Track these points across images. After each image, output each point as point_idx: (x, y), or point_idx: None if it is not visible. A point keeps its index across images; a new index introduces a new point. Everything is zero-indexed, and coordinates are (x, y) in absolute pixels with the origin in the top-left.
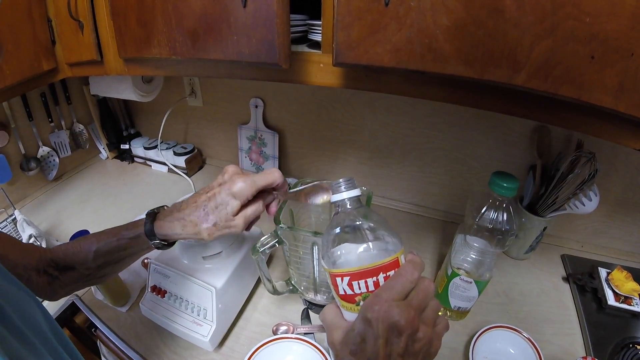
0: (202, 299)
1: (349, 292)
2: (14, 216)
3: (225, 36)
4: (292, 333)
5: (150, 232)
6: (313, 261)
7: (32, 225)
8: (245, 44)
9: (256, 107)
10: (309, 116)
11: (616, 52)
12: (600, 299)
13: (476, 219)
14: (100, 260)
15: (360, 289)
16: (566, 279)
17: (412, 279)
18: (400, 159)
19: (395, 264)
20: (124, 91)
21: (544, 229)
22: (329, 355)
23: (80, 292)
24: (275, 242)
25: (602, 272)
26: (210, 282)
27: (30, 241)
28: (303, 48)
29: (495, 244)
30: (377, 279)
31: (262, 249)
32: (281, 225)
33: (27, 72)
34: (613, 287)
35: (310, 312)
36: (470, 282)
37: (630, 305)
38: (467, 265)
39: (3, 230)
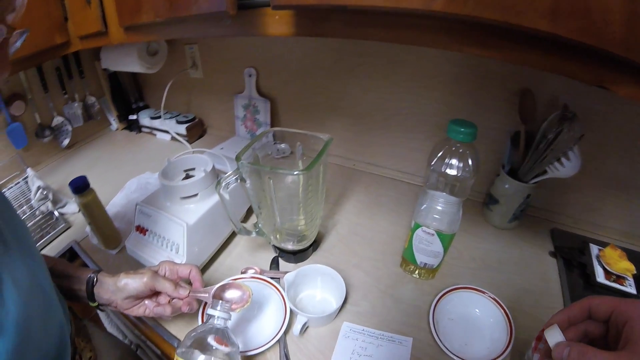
0: (175, 235)
1: None
2: (26, 176)
3: None
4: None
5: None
6: (271, 197)
7: (40, 179)
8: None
9: (250, 76)
10: (296, 83)
11: None
12: (589, 275)
13: (431, 163)
14: None
15: None
16: (553, 254)
17: None
18: (383, 124)
19: None
20: (130, 64)
21: (528, 196)
22: (287, 299)
23: (78, 238)
24: (237, 177)
25: (594, 248)
26: (183, 218)
27: (38, 193)
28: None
29: (455, 193)
30: None
31: (224, 183)
32: (242, 161)
33: (41, 45)
34: (604, 264)
35: (280, 260)
36: (433, 235)
37: (623, 285)
38: (431, 218)
39: (16, 189)
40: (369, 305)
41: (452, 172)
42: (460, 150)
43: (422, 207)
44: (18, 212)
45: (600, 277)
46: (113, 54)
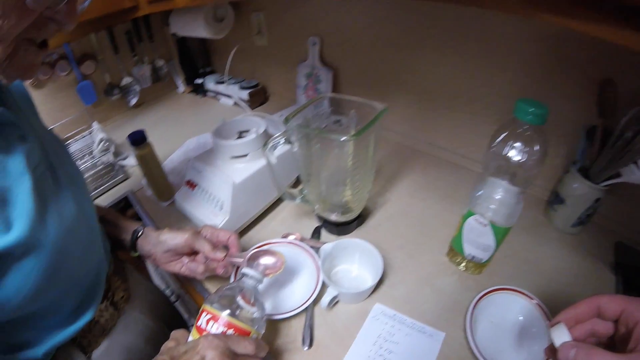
0: (221, 192)
1: (204, 327)
2: (92, 129)
3: None
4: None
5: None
6: (318, 159)
7: (104, 131)
8: None
9: (314, 44)
10: (361, 54)
11: None
12: None
13: (492, 145)
14: None
15: (212, 329)
16: (614, 269)
17: (249, 350)
18: (449, 103)
19: (246, 333)
20: (197, 29)
21: (597, 200)
22: (321, 269)
23: (134, 188)
24: (284, 139)
25: None
26: (231, 176)
27: (101, 145)
28: None
29: (515, 182)
30: (226, 331)
31: (271, 144)
32: (290, 122)
33: (110, 8)
34: None
35: (323, 231)
36: (486, 225)
37: None
38: (486, 207)
39: (80, 141)
40: (405, 290)
41: (516, 157)
42: (527, 134)
43: (478, 194)
44: (81, 162)
45: None
46: (181, 19)
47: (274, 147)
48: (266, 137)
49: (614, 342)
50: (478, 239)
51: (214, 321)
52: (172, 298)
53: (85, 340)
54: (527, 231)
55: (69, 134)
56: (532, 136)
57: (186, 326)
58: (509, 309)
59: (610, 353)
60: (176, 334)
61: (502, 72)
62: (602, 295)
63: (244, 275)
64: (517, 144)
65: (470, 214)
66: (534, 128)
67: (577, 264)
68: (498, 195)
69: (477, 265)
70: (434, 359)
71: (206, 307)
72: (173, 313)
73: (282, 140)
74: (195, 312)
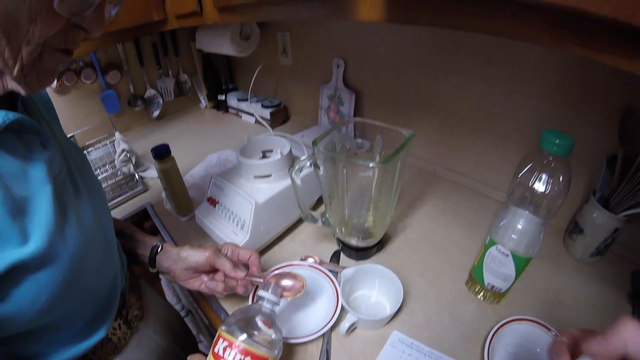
0: (243, 211)
1: (221, 354)
2: (114, 138)
3: None
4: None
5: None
6: (343, 187)
7: (126, 142)
8: None
9: (338, 66)
10: (385, 78)
11: None
12: None
13: (518, 175)
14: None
15: (229, 357)
16: (630, 298)
17: None
18: (472, 129)
19: (264, 359)
20: (223, 46)
21: (616, 230)
22: (341, 294)
23: (153, 201)
24: (310, 162)
25: None
26: (253, 196)
27: (122, 155)
28: None
29: (539, 212)
30: (243, 358)
31: (297, 166)
32: (318, 146)
33: (139, 20)
34: None
35: (342, 254)
36: (507, 256)
37: None
38: (509, 237)
39: (101, 149)
40: (424, 318)
41: (541, 188)
42: (553, 165)
43: (501, 223)
44: (101, 170)
45: None
46: (208, 35)
47: (300, 170)
48: (290, 158)
49: None
50: (499, 268)
51: (230, 348)
52: (182, 313)
53: (96, 357)
54: (545, 260)
55: (90, 142)
56: (557, 167)
57: (195, 342)
58: (527, 340)
59: None
60: (193, 358)
61: (526, 99)
62: (633, 332)
63: (260, 298)
64: (543, 175)
65: (492, 243)
66: (559, 159)
67: (595, 294)
68: (520, 225)
69: (496, 295)
70: None
71: (222, 333)
72: (184, 330)
73: (309, 163)
74: (205, 329)
